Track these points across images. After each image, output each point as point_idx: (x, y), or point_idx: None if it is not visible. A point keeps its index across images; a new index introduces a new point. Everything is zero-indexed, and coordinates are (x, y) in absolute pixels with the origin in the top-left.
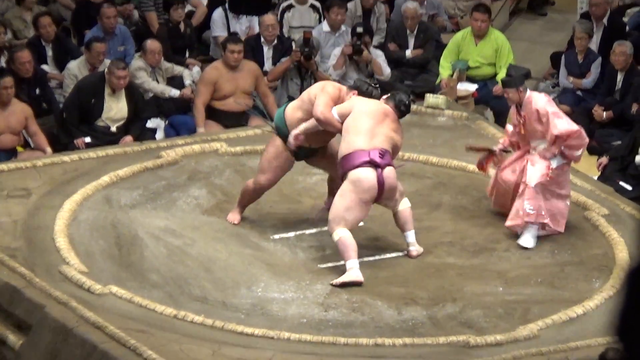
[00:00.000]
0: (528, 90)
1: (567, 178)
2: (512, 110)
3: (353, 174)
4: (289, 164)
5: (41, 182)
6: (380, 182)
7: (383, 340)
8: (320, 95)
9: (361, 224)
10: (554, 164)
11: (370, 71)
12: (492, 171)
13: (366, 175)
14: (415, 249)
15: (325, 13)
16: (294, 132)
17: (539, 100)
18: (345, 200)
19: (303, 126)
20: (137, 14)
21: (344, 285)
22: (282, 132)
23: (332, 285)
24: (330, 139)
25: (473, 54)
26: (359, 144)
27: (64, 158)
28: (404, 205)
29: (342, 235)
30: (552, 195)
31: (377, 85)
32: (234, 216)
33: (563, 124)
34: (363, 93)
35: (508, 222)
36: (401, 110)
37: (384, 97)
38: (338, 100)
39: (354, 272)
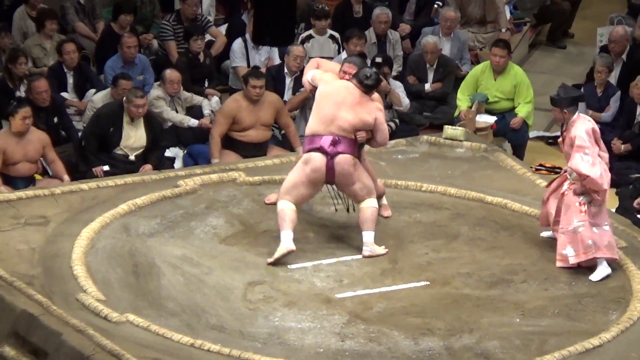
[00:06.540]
0: (577, 113)
1: (602, 210)
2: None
3: (306, 155)
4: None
5: (59, 210)
6: (329, 168)
7: None
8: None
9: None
10: (584, 199)
11: (389, 102)
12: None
13: (315, 158)
14: (369, 249)
15: (344, 43)
16: None
17: (579, 128)
18: (295, 176)
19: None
20: (157, 44)
21: (277, 261)
22: None
23: (268, 264)
24: None
25: (492, 89)
26: (317, 128)
27: (82, 186)
28: (368, 204)
29: (283, 207)
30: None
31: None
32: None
33: (579, 161)
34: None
35: (558, 264)
36: (366, 85)
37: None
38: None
39: (284, 242)
